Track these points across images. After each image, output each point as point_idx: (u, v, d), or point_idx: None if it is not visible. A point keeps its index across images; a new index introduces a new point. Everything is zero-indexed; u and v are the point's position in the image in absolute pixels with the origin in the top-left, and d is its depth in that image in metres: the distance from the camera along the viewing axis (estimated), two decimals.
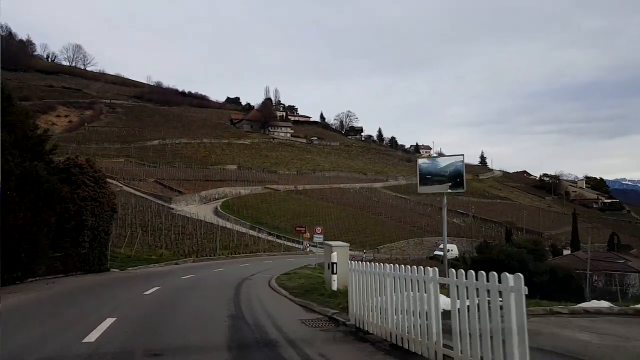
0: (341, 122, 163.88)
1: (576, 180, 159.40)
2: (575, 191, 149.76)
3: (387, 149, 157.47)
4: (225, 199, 77.76)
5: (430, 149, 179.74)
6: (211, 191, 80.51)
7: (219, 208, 70.51)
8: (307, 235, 52.05)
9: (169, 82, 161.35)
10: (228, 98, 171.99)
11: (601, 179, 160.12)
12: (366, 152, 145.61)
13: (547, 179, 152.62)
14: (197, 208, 67.77)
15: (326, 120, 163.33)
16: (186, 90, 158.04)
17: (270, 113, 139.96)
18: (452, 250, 62.35)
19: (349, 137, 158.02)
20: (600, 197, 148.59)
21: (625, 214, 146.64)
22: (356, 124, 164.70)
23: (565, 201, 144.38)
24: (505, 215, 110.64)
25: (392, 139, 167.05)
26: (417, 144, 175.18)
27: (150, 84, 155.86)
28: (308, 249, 51.72)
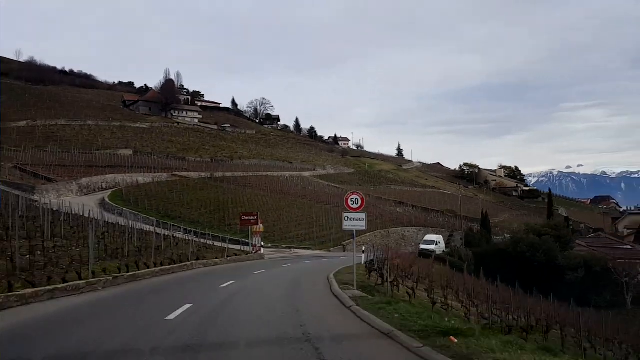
0: (255, 109, 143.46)
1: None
2: (495, 180, 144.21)
3: (307, 140, 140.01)
4: (116, 189, 54.75)
5: (349, 140, 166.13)
6: (96, 179, 56.91)
7: (106, 199, 47.84)
8: (259, 228, 32.26)
9: (45, 60, 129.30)
10: (120, 82, 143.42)
11: (516, 168, 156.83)
12: (286, 141, 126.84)
13: (467, 168, 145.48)
14: (76, 199, 45.00)
15: (239, 107, 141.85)
16: (67, 69, 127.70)
17: (173, 95, 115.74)
18: (439, 242, 46.18)
19: (266, 126, 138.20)
20: (519, 185, 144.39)
21: (541, 201, 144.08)
22: (272, 113, 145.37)
23: (487, 189, 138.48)
24: (441, 204, 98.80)
25: (312, 130, 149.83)
26: (335, 135, 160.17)
27: (21, 60, 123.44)
28: (261, 250, 31.91)
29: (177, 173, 67.03)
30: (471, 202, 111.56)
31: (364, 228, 14.41)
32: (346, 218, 13.77)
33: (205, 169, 74.86)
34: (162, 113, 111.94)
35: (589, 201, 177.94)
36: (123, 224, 30.88)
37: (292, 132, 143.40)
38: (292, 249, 41.12)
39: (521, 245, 36.33)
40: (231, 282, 15.82)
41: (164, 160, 77.49)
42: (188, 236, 29.13)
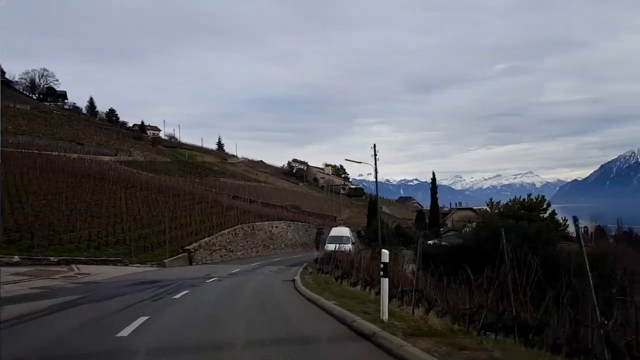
0: (32, 81, 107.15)
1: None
2: (324, 177, 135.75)
3: (105, 124, 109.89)
4: None
5: (160, 130, 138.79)
6: None
7: None
8: None
9: None
10: None
11: (341, 166, 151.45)
12: (76, 122, 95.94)
13: (297, 165, 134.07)
14: None
15: (7, 76, 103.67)
16: None
17: None
18: (348, 236, 28.62)
19: (48, 102, 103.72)
20: (346, 184, 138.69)
21: (364, 199, 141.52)
22: (57, 88, 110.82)
23: (316, 187, 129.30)
24: (282, 199, 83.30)
25: (112, 113, 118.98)
26: (143, 122, 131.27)
27: None
28: None
29: None
30: (306, 198, 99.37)
31: None
32: None
33: None
34: None
35: (395, 200, 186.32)
36: None
37: (84, 113, 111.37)
38: (73, 265, 18.85)
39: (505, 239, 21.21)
40: None
41: None
42: None
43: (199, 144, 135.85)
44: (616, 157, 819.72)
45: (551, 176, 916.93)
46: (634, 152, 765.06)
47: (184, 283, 14.88)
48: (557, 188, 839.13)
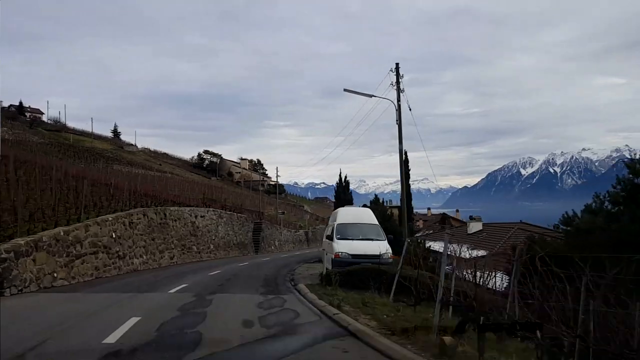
0: None
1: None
2: (239, 172, 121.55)
3: None
4: None
5: (43, 113, 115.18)
6: None
7: None
8: None
9: None
10: None
11: (259, 161, 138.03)
12: None
13: (209, 157, 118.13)
14: None
15: None
16: None
17: None
18: (376, 224, 15.68)
19: None
20: (265, 180, 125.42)
21: (284, 197, 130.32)
22: None
23: (231, 182, 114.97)
24: (197, 192, 68.70)
25: None
26: (21, 103, 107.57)
27: None
28: None
29: None
30: (223, 192, 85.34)
31: None
32: None
33: None
34: None
35: (312, 200, 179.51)
36: None
37: None
38: None
39: None
40: None
41: None
42: None
43: (90, 130, 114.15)
44: (501, 166, 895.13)
45: (444, 183, 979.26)
46: (516, 163, 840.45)
47: None
48: (450, 194, 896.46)
